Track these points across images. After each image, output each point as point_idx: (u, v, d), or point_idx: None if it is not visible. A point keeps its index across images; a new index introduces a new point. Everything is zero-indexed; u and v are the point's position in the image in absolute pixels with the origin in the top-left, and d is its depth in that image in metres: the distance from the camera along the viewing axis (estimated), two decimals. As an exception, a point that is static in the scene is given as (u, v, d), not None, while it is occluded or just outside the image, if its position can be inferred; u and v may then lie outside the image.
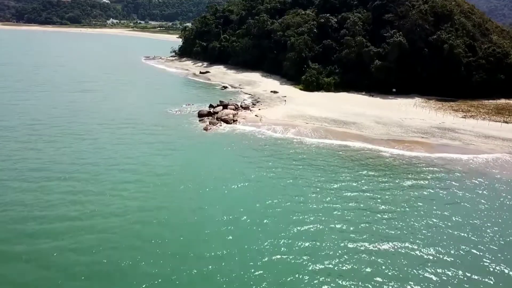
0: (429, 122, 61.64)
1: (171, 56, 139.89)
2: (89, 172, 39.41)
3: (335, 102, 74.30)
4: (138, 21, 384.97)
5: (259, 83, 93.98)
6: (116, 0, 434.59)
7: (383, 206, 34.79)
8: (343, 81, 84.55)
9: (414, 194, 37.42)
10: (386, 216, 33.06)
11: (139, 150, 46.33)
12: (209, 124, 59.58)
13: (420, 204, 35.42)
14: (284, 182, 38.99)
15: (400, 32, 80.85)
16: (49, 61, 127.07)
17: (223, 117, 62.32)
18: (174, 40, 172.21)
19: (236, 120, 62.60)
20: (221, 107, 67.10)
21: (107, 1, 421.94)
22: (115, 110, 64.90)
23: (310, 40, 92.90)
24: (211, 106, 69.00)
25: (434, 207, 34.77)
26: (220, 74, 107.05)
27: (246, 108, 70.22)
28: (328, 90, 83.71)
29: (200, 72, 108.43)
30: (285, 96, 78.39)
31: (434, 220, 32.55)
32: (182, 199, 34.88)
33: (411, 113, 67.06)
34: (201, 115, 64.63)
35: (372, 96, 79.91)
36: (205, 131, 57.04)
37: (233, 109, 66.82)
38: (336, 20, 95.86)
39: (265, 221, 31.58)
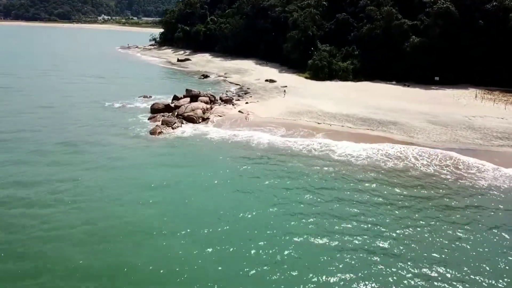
0: (513, 122, 38.76)
1: (150, 45, 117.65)
2: None
3: (358, 94, 51.48)
4: (131, 17, 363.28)
5: (251, 71, 71.33)
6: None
7: None
8: (365, 66, 61.70)
9: None
10: None
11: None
12: (162, 124, 36.86)
13: None
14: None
15: (446, -3, 58.05)
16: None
17: (186, 114, 39.63)
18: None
19: (208, 119, 39.91)
20: (187, 99, 44.34)
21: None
22: (41, 108, 41.99)
23: (319, 15, 70.28)
24: (175, 97, 46.29)
25: None
26: (202, 62, 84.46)
27: (227, 101, 47.50)
28: (344, 78, 60.92)
29: (178, 60, 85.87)
30: (285, 86, 55.74)
31: None
32: None
33: (477, 108, 43.98)
34: (154, 110, 42.05)
35: (407, 86, 57.06)
36: (153, 135, 34.51)
37: (206, 102, 44.09)
38: (352, -11, 73.34)
39: None
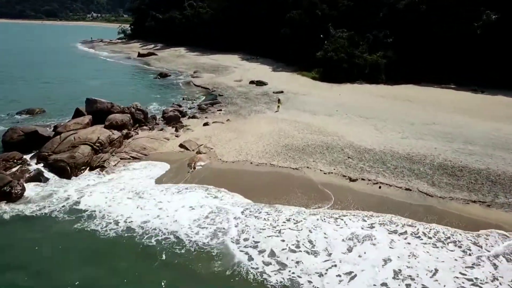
0: None
1: (118, 39, 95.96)
2: None
3: (407, 107, 29.55)
4: (122, 15, 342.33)
5: (233, 68, 49.38)
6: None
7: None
8: (404, 61, 39.82)
9: None
10: None
11: None
12: (-30, 189, 14.96)
13: None
14: None
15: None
16: None
17: (53, 158, 17.72)
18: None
19: (101, 167, 17.88)
20: (85, 119, 22.38)
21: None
22: None
23: (331, -12, 48.52)
24: (77, 114, 24.30)
25: None
26: (171, 57, 62.54)
27: (170, 119, 25.50)
28: (373, 79, 39.00)
29: (139, 55, 63.97)
30: (281, 92, 33.93)
31: None
32: None
33: None
34: (7, 144, 20.14)
35: (481, 92, 35.15)
36: None
37: (120, 125, 22.19)
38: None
39: None
